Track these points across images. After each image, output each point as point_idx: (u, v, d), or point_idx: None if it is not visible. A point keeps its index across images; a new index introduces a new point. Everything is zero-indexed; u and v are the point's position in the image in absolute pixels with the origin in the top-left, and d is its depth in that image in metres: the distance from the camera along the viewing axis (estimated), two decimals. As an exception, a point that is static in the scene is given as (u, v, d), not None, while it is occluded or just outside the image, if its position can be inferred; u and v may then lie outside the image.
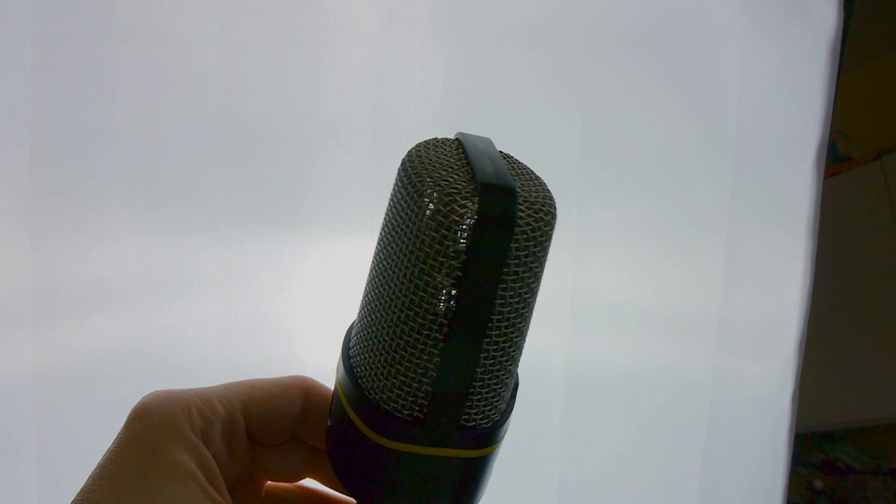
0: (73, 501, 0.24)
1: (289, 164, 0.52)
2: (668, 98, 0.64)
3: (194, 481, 0.24)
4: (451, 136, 0.27)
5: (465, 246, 0.22)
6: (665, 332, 0.68)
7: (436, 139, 0.26)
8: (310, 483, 0.32)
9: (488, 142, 0.26)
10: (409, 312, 0.23)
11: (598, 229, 0.63)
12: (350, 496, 0.28)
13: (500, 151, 0.26)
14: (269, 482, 0.31)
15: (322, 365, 0.37)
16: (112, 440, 0.26)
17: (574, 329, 0.63)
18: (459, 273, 0.23)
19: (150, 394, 0.26)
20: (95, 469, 0.24)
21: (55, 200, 0.49)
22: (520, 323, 0.24)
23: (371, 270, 0.26)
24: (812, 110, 0.72)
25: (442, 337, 0.23)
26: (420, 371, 0.24)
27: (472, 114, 0.57)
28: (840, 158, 1.74)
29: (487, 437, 0.25)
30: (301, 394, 0.29)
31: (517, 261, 0.23)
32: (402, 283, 0.23)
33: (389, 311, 0.24)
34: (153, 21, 0.49)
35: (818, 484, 1.76)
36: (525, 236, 0.23)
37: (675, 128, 0.65)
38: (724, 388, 0.71)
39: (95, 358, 0.50)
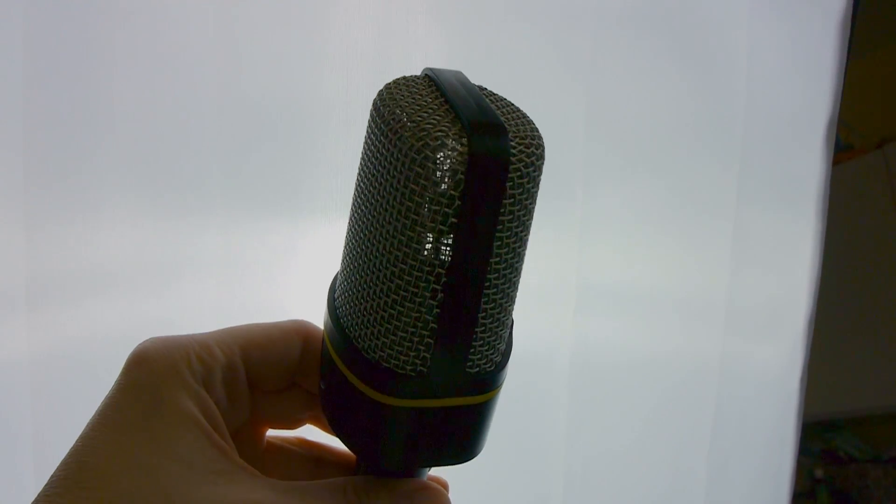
0: (72, 448, 0.23)
1: (288, 143, 0.52)
2: (675, 78, 0.64)
3: (198, 427, 0.24)
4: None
5: (459, 191, 0.21)
6: (672, 316, 0.67)
7: (405, 77, 0.25)
8: (310, 434, 0.31)
9: (460, 75, 0.25)
10: (403, 266, 0.22)
11: (603, 212, 0.62)
12: (354, 454, 0.27)
13: (477, 85, 0.25)
14: (269, 431, 0.31)
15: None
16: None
17: (579, 313, 0.63)
18: (454, 220, 0.22)
19: (147, 340, 0.25)
20: (94, 416, 0.24)
21: (50, 183, 0.48)
22: (516, 262, 0.24)
23: (352, 224, 0.25)
24: (821, 90, 0.71)
25: (440, 287, 0.22)
26: (420, 325, 0.23)
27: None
28: (842, 147, 1.74)
29: (491, 380, 0.25)
30: (300, 338, 0.29)
31: (512, 200, 0.22)
32: (392, 237, 0.22)
33: (380, 267, 0.23)
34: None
35: (819, 472, 1.76)
36: (519, 174, 0.22)
37: (682, 108, 0.65)
38: (731, 372, 0.71)
39: (92, 344, 0.50)
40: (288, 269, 0.52)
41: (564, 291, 0.62)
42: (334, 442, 0.29)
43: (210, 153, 0.50)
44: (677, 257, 0.67)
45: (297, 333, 0.29)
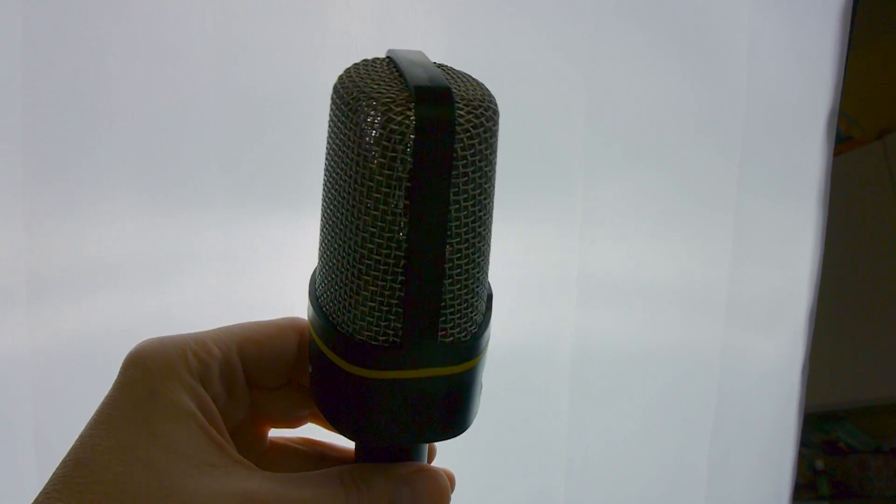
0: (72, 447, 0.23)
1: (287, 138, 0.52)
2: (675, 70, 0.64)
3: (194, 421, 0.24)
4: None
5: (410, 155, 0.22)
6: (673, 309, 0.67)
7: (366, 59, 0.25)
8: (312, 434, 0.32)
9: (420, 53, 0.25)
10: (365, 234, 0.23)
11: (604, 204, 0.62)
12: (341, 434, 0.27)
13: (435, 62, 0.26)
14: (271, 430, 0.31)
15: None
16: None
17: (580, 306, 0.63)
18: (408, 184, 0.22)
19: (145, 340, 0.26)
20: (93, 415, 0.24)
21: (49, 179, 0.48)
22: (479, 227, 0.24)
23: (322, 202, 0.25)
24: (821, 81, 0.71)
25: (402, 254, 0.23)
26: (387, 293, 0.23)
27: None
28: (842, 138, 1.74)
29: (467, 350, 0.25)
30: (296, 334, 0.29)
31: (465, 161, 0.23)
32: (353, 206, 0.23)
33: (345, 238, 0.23)
34: (147, -9, 0.48)
35: (819, 464, 1.77)
36: (468, 135, 0.22)
37: (682, 100, 0.65)
38: (732, 363, 0.71)
39: (93, 339, 0.50)
40: (288, 264, 0.52)
41: (565, 284, 0.62)
42: (338, 440, 0.29)
43: (209, 148, 0.50)
44: (678, 249, 0.67)
45: (293, 330, 0.29)
